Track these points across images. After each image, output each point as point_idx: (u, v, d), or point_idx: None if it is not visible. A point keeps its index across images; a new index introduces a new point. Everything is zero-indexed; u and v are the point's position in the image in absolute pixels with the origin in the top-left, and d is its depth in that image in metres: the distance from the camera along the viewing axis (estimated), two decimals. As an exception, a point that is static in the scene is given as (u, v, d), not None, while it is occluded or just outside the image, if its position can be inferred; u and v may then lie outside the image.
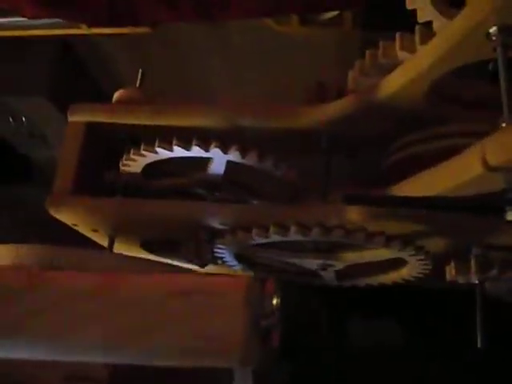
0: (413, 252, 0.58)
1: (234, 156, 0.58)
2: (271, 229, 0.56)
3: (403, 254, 0.58)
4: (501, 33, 0.47)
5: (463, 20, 0.48)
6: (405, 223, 0.55)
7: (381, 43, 0.59)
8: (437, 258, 0.60)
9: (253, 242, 0.58)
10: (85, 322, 0.36)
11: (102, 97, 0.94)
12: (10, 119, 1.06)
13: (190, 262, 0.64)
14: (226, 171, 0.61)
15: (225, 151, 0.57)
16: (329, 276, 0.66)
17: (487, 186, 0.46)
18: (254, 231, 0.57)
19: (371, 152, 0.64)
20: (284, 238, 0.56)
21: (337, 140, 0.63)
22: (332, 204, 0.58)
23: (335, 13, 0.86)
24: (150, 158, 0.61)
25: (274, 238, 0.56)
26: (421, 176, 0.51)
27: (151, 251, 0.69)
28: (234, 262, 0.65)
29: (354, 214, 0.55)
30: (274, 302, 0.37)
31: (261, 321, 0.36)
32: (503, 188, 0.44)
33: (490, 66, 0.58)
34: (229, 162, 0.59)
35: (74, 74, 1.04)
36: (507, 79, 0.46)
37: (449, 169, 0.49)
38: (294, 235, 0.55)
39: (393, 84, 0.56)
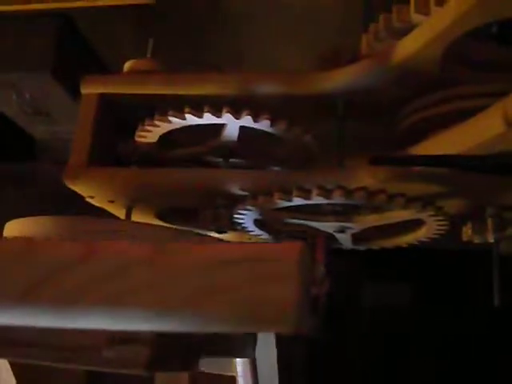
0: (432, 213, 0.59)
1: (246, 121, 0.58)
2: (294, 193, 0.56)
3: (422, 215, 0.59)
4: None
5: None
6: (424, 184, 0.56)
7: (394, 6, 0.60)
8: (454, 218, 0.61)
9: (274, 207, 0.59)
10: (139, 290, 0.37)
11: (104, 72, 0.95)
12: (14, 96, 1.06)
13: (208, 228, 0.65)
14: (239, 137, 0.61)
15: (237, 116, 0.58)
16: (345, 239, 0.67)
17: (510, 143, 0.47)
18: (277, 195, 0.57)
19: (385, 118, 0.65)
20: (306, 202, 0.57)
21: (351, 106, 0.64)
22: (352, 167, 0.59)
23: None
24: (164, 127, 0.62)
25: (297, 201, 0.57)
26: (442, 136, 0.52)
27: (168, 220, 0.70)
28: (253, 228, 0.66)
29: (375, 176, 0.55)
30: (323, 269, 0.38)
31: (312, 288, 0.36)
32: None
33: (494, 29, 0.59)
34: (242, 128, 0.60)
35: (77, 50, 1.03)
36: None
37: (471, 128, 0.49)
38: (316, 198, 0.56)
39: (407, 47, 0.57)
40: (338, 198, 0.56)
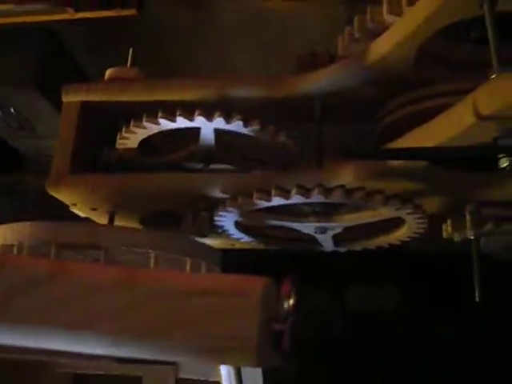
0: (410, 210, 0.59)
1: (218, 123, 0.59)
2: (273, 192, 0.57)
3: (401, 213, 0.59)
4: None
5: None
6: (403, 181, 0.57)
7: (368, 8, 0.61)
8: (433, 216, 0.62)
9: (254, 208, 0.59)
10: (102, 317, 0.37)
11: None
12: (-1, 111, 1.06)
13: (190, 232, 0.65)
14: (217, 141, 0.62)
15: (209, 119, 0.58)
16: (326, 241, 0.67)
17: (481, 135, 0.47)
18: (256, 195, 0.58)
19: (362, 120, 0.66)
20: (285, 201, 0.57)
21: (329, 108, 0.65)
22: (332, 166, 0.60)
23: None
24: (141, 133, 0.63)
25: (276, 201, 0.57)
26: (416, 132, 0.53)
27: (150, 226, 0.70)
28: (234, 231, 0.66)
29: (355, 174, 0.56)
30: (290, 303, 0.38)
31: (274, 324, 0.37)
32: (496, 136, 0.46)
33: (472, 34, 0.60)
34: (221, 132, 0.61)
35: (62, 64, 1.04)
36: (495, 34, 0.48)
37: (443, 122, 0.50)
38: (295, 198, 0.56)
39: (381, 48, 0.58)
40: (317, 197, 0.56)
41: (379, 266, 0.77)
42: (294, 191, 0.57)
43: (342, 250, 0.71)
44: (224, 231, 0.66)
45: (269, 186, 0.58)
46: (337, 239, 0.68)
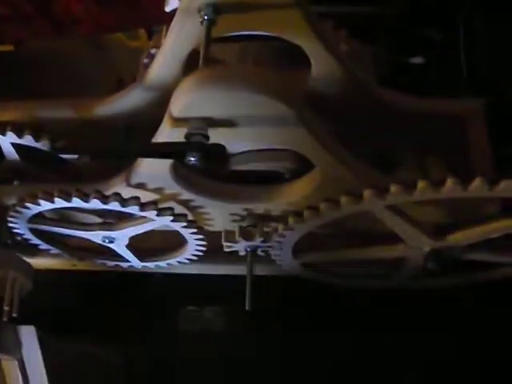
0: (184, 224, 0.63)
1: (11, 137, 0.63)
2: (55, 194, 0.61)
3: (176, 226, 0.63)
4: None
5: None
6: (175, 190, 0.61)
7: (154, 36, 0.66)
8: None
9: (40, 210, 0.63)
10: None
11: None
12: None
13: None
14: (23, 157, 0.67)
15: (2, 133, 0.63)
16: (124, 252, 0.70)
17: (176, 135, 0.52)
18: (40, 196, 0.62)
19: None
20: (67, 204, 0.61)
21: (135, 128, 0.69)
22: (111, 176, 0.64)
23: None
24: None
25: (59, 203, 0.61)
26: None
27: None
28: (35, 240, 0.70)
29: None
30: None
31: None
32: (187, 133, 0.50)
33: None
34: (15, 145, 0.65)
35: None
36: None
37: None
38: (75, 201, 0.60)
39: (153, 70, 0.63)
40: (95, 203, 0.60)
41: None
42: (73, 195, 0.61)
43: (149, 265, 0.74)
44: (25, 240, 0.70)
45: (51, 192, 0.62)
46: (138, 253, 0.71)
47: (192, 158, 0.50)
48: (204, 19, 0.54)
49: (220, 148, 0.53)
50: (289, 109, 0.51)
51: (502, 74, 0.83)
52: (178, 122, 0.50)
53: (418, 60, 0.89)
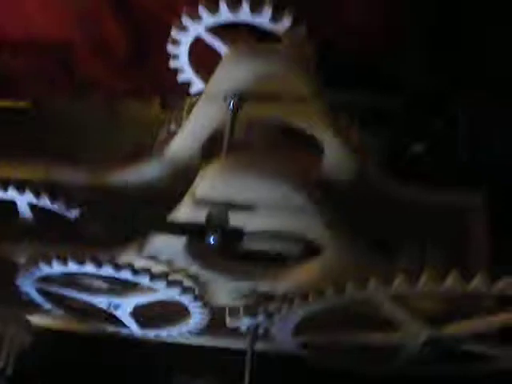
0: (192, 299, 0.65)
1: (30, 197, 0.65)
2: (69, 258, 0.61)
3: (183, 299, 0.65)
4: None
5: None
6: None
7: (174, 112, 0.70)
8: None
9: (51, 272, 0.64)
10: None
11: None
12: None
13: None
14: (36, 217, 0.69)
15: (21, 193, 0.65)
16: (128, 320, 0.72)
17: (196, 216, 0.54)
18: (54, 258, 0.62)
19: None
20: (79, 269, 0.62)
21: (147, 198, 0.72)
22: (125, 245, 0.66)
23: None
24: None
25: (72, 267, 0.62)
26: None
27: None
28: (39, 299, 0.71)
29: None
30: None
31: None
32: (208, 215, 0.52)
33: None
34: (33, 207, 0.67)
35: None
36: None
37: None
38: (88, 267, 0.61)
39: (173, 145, 0.66)
40: (108, 272, 0.61)
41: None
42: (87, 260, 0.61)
43: (150, 335, 0.75)
44: (32, 300, 0.71)
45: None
46: (140, 322, 0.72)
47: (212, 239, 0.52)
48: (229, 106, 0.57)
49: (238, 230, 0.56)
50: (305, 198, 0.54)
51: (503, 163, 0.86)
52: (199, 202, 0.53)
53: (418, 148, 0.93)
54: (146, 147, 0.75)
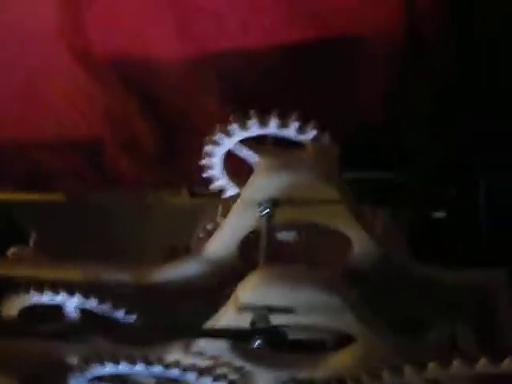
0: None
1: (79, 300, 0.70)
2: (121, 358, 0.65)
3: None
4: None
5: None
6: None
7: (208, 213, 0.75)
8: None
9: (103, 373, 0.67)
10: None
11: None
12: None
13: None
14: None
15: (71, 296, 0.70)
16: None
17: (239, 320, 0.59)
18: (106, 359, 0.66)
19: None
20: (130, 369, 0.66)
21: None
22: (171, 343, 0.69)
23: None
24: (18, 302, 0.72)
25: (124, 367, 0.66)
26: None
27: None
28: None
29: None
30: None
31: None
32: (252, 320, 0.57)
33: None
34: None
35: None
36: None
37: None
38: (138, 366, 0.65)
39: (211, 246, 0.71)
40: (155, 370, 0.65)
41: None
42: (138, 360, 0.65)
43: None
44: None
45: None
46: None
47: (257, 342, 0.57)
48: (263, 213, 0.62)
49: (281, 331, 0.60)
50: (340, 299, 0.58)
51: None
52: (243, 308, 0.58)
53: (439, 215, 0.95)
54: (182, 245, 0.80)
